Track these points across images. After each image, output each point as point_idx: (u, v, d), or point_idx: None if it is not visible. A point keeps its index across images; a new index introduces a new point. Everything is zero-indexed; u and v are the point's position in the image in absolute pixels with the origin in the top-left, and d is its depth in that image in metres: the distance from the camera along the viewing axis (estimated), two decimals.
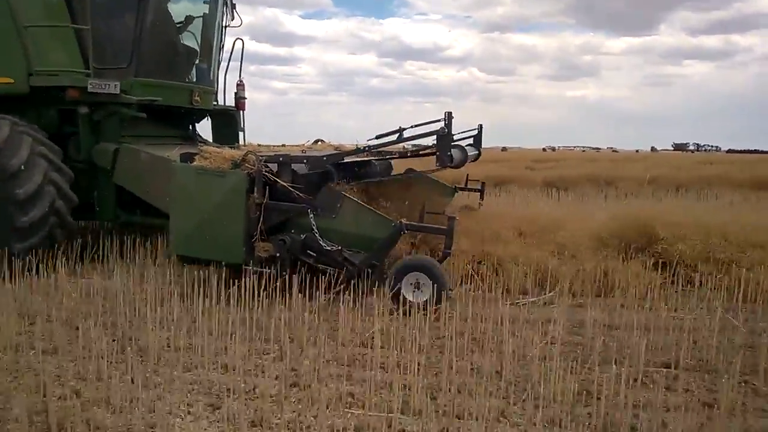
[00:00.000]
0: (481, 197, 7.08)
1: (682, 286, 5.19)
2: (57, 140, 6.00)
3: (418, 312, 4.17)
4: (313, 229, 4.79)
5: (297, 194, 4.86)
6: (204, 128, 7.97)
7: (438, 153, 4.78)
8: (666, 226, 5.81)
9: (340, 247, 4.75)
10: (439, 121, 4.77)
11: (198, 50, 7.09)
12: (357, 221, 4.86)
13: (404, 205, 5.69)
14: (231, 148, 5.61)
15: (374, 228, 4.80)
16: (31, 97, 5.96)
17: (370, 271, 4.73)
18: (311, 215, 4.80)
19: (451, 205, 6.62)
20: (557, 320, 4.06)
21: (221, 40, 7.30)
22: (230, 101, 7.83)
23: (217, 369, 3.44)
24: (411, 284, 4.54)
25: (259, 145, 6.48)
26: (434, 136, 4.82)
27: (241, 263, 4.78)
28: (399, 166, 6.47)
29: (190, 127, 7.68)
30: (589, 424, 2.86)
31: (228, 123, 7.82)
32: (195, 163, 4.96)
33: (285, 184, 4.84)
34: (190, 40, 7.04)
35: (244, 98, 7.97)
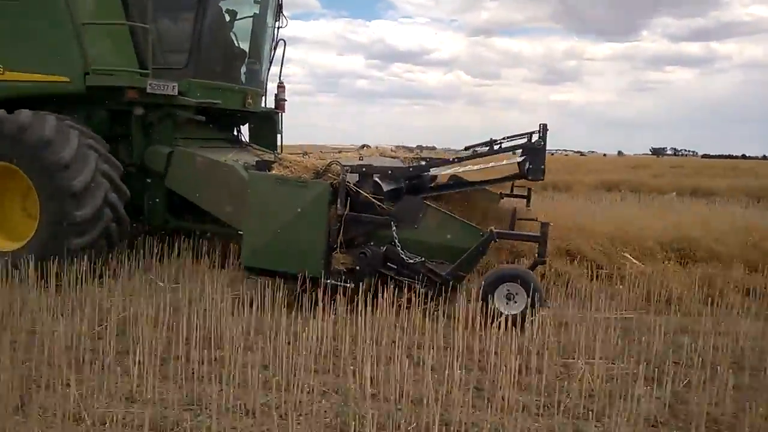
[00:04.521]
0: (528, 203, 6.96)
1: None
2: (107, 142, 5.76)
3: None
4: (394, 241, 4.63)
5: (379, 206, 4.70)
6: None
7: (531, 167, 4.63)
8: None
9: (423, 259, 4.60)
10: (532, 133, 4.62)
11: (248, 52, 6.85)
12: (442, 231, 4.71)
13: (458, 213, 5.54)
14: (307, 155, 5.38)
15: (461, 237, 4.65)
16: (85, 97, 5.70)
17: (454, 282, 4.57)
18: (394, 227, 4.64)
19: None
20: None
21: (273, 41, 7.06)
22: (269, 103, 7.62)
23: None
24: (504, 296, 4.39)
25: (320, 151, 6.28)
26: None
27: (320, 276, 4.61)
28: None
29: (235, 130, 7.45)
30: None
31: (268, 125, 7.61)
32: (273, 171, 4.78)
33: (368, 195, 4.67)
34: (242, 41, 6.80)
35: (285, 100, 7.76)
